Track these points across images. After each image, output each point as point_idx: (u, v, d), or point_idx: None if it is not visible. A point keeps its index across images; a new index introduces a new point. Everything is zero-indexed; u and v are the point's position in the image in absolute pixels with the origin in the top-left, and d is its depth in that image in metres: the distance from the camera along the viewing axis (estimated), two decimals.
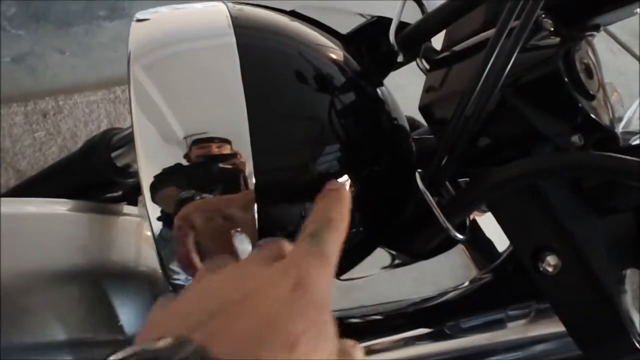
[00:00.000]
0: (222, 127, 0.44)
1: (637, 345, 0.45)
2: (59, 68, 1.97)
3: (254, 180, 0.43)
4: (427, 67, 0.53)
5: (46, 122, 1.84)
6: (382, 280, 0.51)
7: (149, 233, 0.74)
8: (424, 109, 0.51)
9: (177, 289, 0.48)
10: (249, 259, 0.42)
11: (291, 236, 0.46)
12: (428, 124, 0.51)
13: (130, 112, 0.44)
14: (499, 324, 0.54)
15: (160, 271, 0.47)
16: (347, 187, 0.47)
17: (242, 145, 0.43)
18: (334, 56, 0.51)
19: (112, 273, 0.77)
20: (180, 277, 0.48)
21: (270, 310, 0.35)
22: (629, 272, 0.47)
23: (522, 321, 0.53)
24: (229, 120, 0.44)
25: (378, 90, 0.53)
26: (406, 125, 0.54)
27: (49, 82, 1.94)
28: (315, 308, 0.37)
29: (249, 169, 0.43)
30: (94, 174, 0.76)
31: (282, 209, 0.46)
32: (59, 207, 0.78)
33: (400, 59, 0.52)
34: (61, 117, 1.85)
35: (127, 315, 0.77)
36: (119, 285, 0.77)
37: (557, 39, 0.48)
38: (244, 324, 0.35)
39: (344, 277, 0.50)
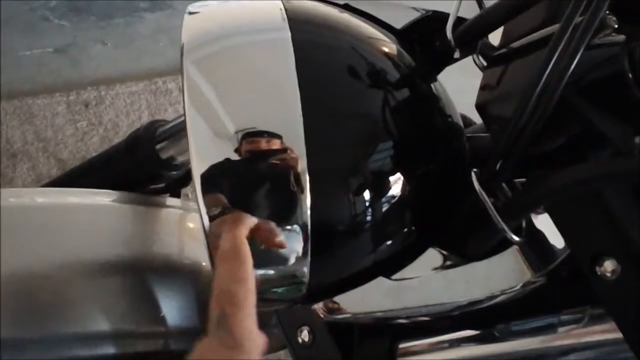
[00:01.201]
0: (274, 122, 0.43)
1: None
2: (100, 59, 1.99)
3: (307, 178, 0.43)
4: (484, 63, 0.52)
5: (88, 112, 1.85)
6: (434, 282, 0.50)
7: (192, 225, 0.74)
8: (480, 107, 0.50)
9: None
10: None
11: (342, 235, 0.45)
12: (484, 122, 0.50)
13: (183, 106, 0.44)
14: (550, 329, 0.53)
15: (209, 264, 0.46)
16: (242, 232, 0.44)
17: (296, 141, 0.43)
18: (387, 51, 0.51)
19: (154, 265, 0.77)
20: None
21: None
22: None
23: (575, 326, 0.52)
24: (283, 115, 0.43)
25: (432, 86, 0.52)
26: (460, 122, 0.53)
27: (91, 72, 1.96)
28: None
29: (302, 166, 0.43)
30: (138, 166, 0.77)
31: (334, 207, 0.45)
32: (103, 198, 0.79)
33: (457, 55, 0.51)
34: (103, 107, 1.87)
35: (169, 307, 0.78)
36: (162, 277, 0.77)
37: (622, 37, 0.46)
38: None
39: (395, 277, 0.49)
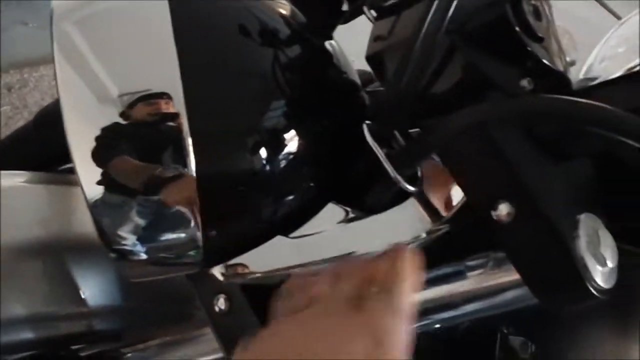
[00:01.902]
0: (155, 84, 0.42)
1: (592, 290, 0.45)
2: (22, 40, 1.92)
3: (190, 140, 0.42)
4: (375, 15, 0.52)
5: (11, 96, 1.80)
6: (335, 237, 0.50)
7: None
8: (371, 58, 0.49)
9: (122, 255, 0.47)
10: (327, 302, 0.43)
11: (235, 195, 0.45)
12: (375, 74, 0.50)
13: (55, 73, 0.43)
14: (459, 275, 0.53)
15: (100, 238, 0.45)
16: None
17: (177, 102, 0.42)
18: (278, 9, 0.50)
19: (73, 245, 0.76)
20: (128, 242, 0.47)
21: None
22: (583, 217, 0.46)
23: (481, 271, 0.52)
24: (162, 76, 0.42)
25: (326, 43, 0.52)
26: (356, 78, 0.53)
27: (12, 55, 1.90)
28: None
29: (184, 127, 0.42)
30: (49, 144, 0.75)
31: (223, 168, 0.45)
32: (15, 179, 0.76)
33: (345, 7, 0.51)
34: (27, 90, 1.82)
35: (91, 287, 0.77)
36: (81, 257, 0.76)
37: None
38: None
39: (294, 234, 0.49)
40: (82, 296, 0.77)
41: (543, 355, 0.59)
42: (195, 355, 0.71)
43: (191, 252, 0.46)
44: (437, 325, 0.57)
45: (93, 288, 0.76)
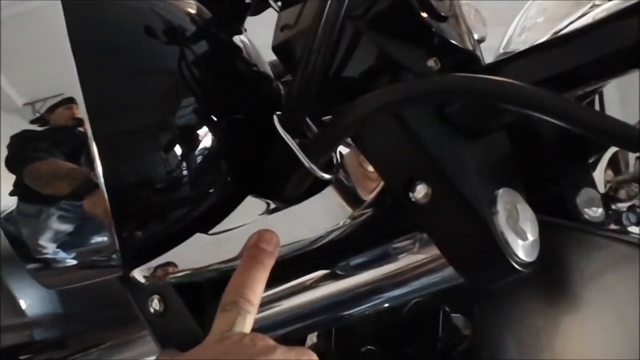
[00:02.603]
0: (59, 89, 0.42)
1: (515, 265, 0.45)
2: None
3: (94, 144, 0.41)
4: (280, 4, 0.51)
5: None
6: (255, 230, 0.49)
7: None
8: (277, 48, 0.49)
9: (44, 264, 0.46)
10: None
11: (148, 197, 0.44)
12: (283, 64, 0.49)
13: None
14: (386, 258, 0.53)
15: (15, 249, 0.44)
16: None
17: (78, 107, 0.41)
18: (182, 7, 0.49)
19: (6, 256, 0.74)
20: (48, 251, 0.46)
21: None
22: (500, 192, 0.47)
23: (408, 253, 0.52)
24: (63, 81, 0.42)
25: (235, 38, 0.51)
26: (268, 70, 0.53)
27: None
28: None
29: (88, 132, 0.41)
30: None
31: (132, 170, 0.44)
32: None
33: None
34: None
35: (29, 297, 0.76)
36: (16, 267, 0.74)
37: None
38: None
39: (214, 230, 0.49)
40: (22, 307, 0.75)
41: (482, 331, 0.59)
42: (139, 356, 0.71)
43: (109, 255, 0.46)
44: (375, 309, 0.57)
45: (31, 298, 0.75)
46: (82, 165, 0.42)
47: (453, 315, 0.65)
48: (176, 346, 0.59)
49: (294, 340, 0.72)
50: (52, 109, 0.43)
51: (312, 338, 0.76)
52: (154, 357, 0.66)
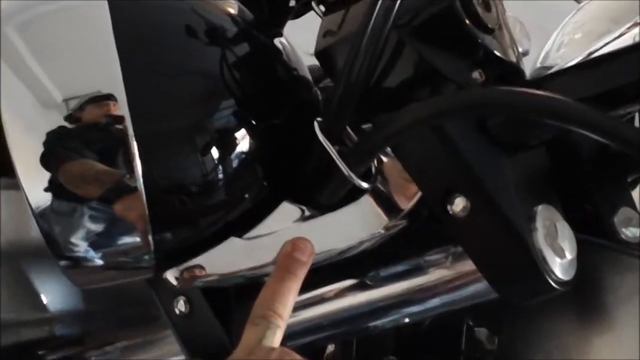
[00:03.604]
0: (99, 86, 0.42)
1: (551, 283, 0.44)
2: None
3: (135, 143, 0.41)
4: (324, 10, 0.51)
5: None
6: (290, 236, 0.49)
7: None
8: (320, 54, 0.49)
9: (74, 262, 0.46)
10: None
11: (185, 198, 0.44)
12: (325, 69, 0.49)
13: None
14: (418, 271, 0.53)
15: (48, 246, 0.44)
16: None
17: (120, 105, 0.41)
18: (224, 7, 0.49)
19: (30, 250, 0.74)
20: (80, 249, 0.46)
21: None
22: (540, 209, 0.46)
23: (440, 266, 0.52)
24: (104, 79, 0.42)
25: (276, 40, 0.51)
26: (307, 75, 0.52)
27: None
28: None
29: (129, 131, 0.41)
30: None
31: (171, 171, 0.44)
32: None
33: (292, 3, 0.50)
34: None
35: (51, 292, 0.75)
36: (40, 262, 0.74)
37: None
38: None
39: (247, 235, 0.48)
40: (43, 302, 0.75)
41: (509, 347, 0.58)
42: (158, 357, 0.70)
43: (143, 257, 0.45)
44: (402, 321, 0.56)
45: (53, 293, 0.75)
46: (119, 165, 0.42)
47: (476, 329, 0.64)
48: (200, 349, 0.58)
49: (316, 348, 0.72)
50: (92, 105, 0.42)
51: (330, 347, 0.76)
52: (174, 358, 0.66)
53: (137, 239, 0.44)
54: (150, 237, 0.44)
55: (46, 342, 0.75)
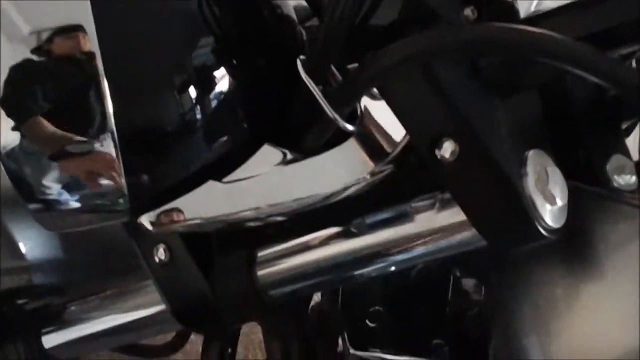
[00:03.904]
0: (68, 18, 0.39)
1: (542, 231, 0.43)
2: None
3: (105, 82, 0.39)
4: None
5: None
6: (271, 181, 0.47)
7: None
8: None
9: (47, 205, 0.44)
10: None
11: (160, 139, 0.42)
12: (310, 7, 0.47)
13: None
14: (404, 218, 0.51)
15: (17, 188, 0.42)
16: None
17: (90, 41, 0.39)
18: None
19: (7, 198, 0.72)
20: (52, 191, 0.44)
21: None
22: (531, 153, 0.45)
23: (428, 213, 0.50)
24: (74, 11, 0.39)
25: None
26: (292, 13, 0.50)
27: None
28: None
29: (99, 68, 0.39)
30: None
31: (144, 110, 0.42)
32: None
33: None
34: None
35: (29, 241, 0.74)
36: (15, 211, 0.73)
37: None
38: None
39: (227, 178, 0.47)
40: (21, 250, 0.74)
41: (496, 297, 0.58)
42: (141, 306, 0.69)
43: (117, 200, 0.44)
44: (388, 270, 0.55)
45: (32, 241, 0.73)
46: (89, 104, 0.40)
47: (463, 279, 0.63)
48: (180, 298, 0.57)
49: (301, 298, 0.71)
50: (61, 37, 0.40)
51: (316, 297, 0.75)
52: (156, 307, 0.64)
53: (110, 182, 0.42)
54: (123, 180, 0.42)
55: (25, 291, 0.74)
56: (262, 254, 0.56)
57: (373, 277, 0.56)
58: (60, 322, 0.70)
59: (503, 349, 0.55)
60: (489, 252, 0.52)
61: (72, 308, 0.71)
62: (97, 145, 0.41)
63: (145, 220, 0.48)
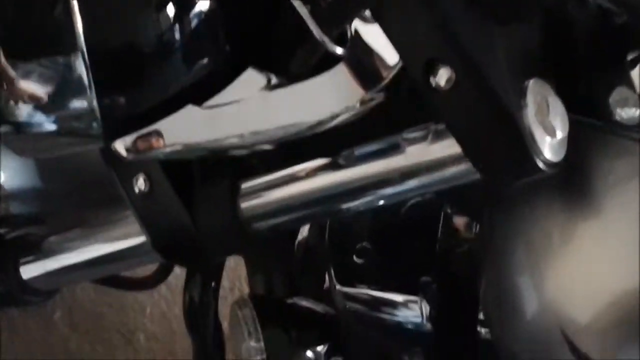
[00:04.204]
0: None
1: (540, 165, 0.41)
2: None
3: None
4: None
5: None
6: (254, 107, 0.45)
7: None
8: None
9: (16, 127, 0.42)
10: None
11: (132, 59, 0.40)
12: None
13: None
14: (395, 149, 0.49)
15: None
16: None
17: None
18: None
19: None
20: (22, 113, 0.42)
21: None
22: (531, 83, 0.43)
23: (420, 145, 0.48)
24: None
25: None
26: None
27: None
28: None
29: None
30: None
31: (116, 28, 0.39)
32: None
33: None
34: None
35: (5, 170, 0.72)
36: None
37: None
38: None
39: (207, 103, 0.44)
40: None
41: (488, 234, 0.56)
42: (122, 237, 0.67)
43: (89, 123, 0.42)
44: (377, 204, 0.53)
45: (8, 170, 0.71)
46: (57, 21, 0.37)
47: (455, 217, 0.62)
48: (161, 229, 0.55)
49: (287, 232, 0.69)
50: None
51: (302, 232, 0.74)
52: (136, 239, 0.63)
53: (82, 103, 0.40)
54: (95, 102, 0.39)
55: (3, 220, 0.73)
56: (246, 185, 0.54)
57: (361, 211, 0.54)
58: (39, 252, 0.69)
59: (493, 287, 0.54)
60: (483, 187, 0.50)
61: (52, 239, 0.70)
62: (66, 65, 0.39)
63: (120, 146, 0.46)
